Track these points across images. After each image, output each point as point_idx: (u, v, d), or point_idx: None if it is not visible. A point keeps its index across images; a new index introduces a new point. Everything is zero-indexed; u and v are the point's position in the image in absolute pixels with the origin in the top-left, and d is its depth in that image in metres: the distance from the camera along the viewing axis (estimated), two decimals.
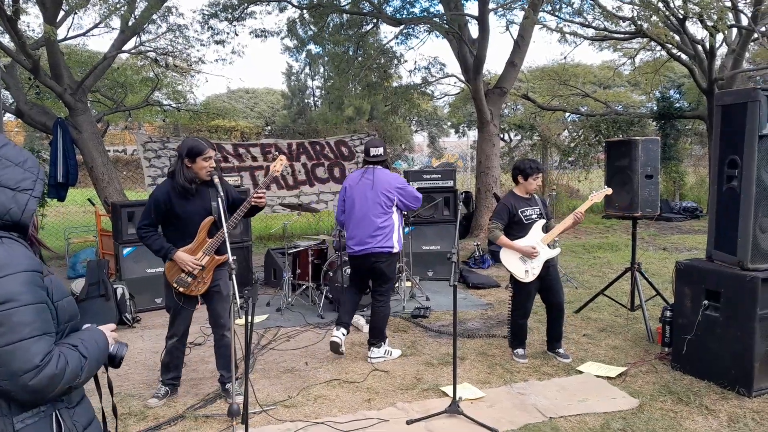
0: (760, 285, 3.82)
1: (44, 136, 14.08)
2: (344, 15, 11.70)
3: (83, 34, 9.75)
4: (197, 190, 3.90)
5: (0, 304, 1.40)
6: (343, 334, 4.80)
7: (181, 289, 3.89)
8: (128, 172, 14.05)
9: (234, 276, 3.58)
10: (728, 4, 10.75)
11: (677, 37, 12.83)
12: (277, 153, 10.39)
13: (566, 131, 17.20)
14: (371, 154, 4.78)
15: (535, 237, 4.68)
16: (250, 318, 3.13)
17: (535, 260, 4.63)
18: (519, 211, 4.70)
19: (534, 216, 4.74)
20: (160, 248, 3.88)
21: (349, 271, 6.04)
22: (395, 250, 4.74)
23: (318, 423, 3.66)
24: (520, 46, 10.74)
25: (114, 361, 1.88)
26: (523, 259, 4.65)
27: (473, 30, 10.95)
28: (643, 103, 23.82)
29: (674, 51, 13.71)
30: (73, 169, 8.24)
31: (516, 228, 4.71)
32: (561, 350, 4.79)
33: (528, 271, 4.63)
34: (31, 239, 1.66)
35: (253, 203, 3.94)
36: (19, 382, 1.40)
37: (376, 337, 4.79)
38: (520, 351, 4.79)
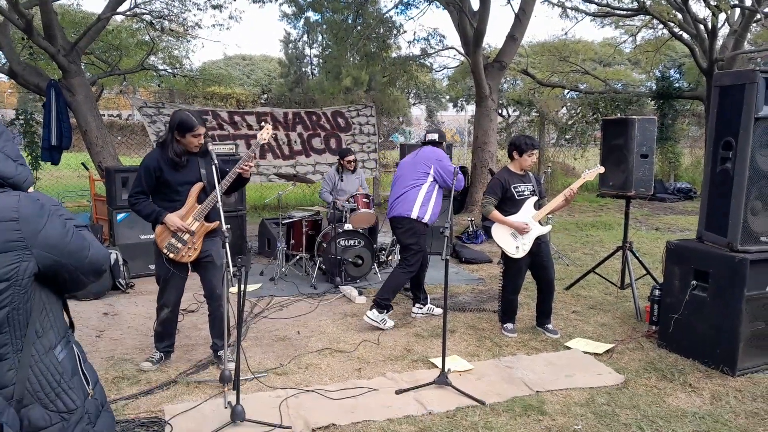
0: (749, 267, 3.87)
1: (37, 98, 13.91)
2: None
3: None
4: (187, 160, 3.90)
5: (60, 241, 1.60)
6: (418, 308, 5.28)
7: (171, 255, 3.88)
8: (123, 137, 13.92)
9: (228, 244, 3.61)
10: None
11: (679, 16, 12.71)
12: (271, 122, 10.31)
13: (564, 108, 17.12)
14: (426, 139, 5.21)
15: (527, 214, 4.70)
16: (243, 286, 3.16)
17: (526, 236, 4.66)
18: (512, 187, 4.72)
19: (526, 192, 4.76)
20: (151, 212, 3.88)
21: (347, 243, 6.20)
22: (413, 216, 4.85)
23: (309, 391, 3.72)
24: (521, 19, 10.61)
25: None
26: (514, 235, 4.68)
27: (474, 2, 10.81)
28: (642, 81, 23.70)
29: (676, 30, 13.60)
30: (67, 132, 8.15)
31: (508, 204, 4.73)
32: (550, 326, 4.86)
33: (519, 247, 4.66)
34: None
35: (239, 171, 3.93)
36: (102, 271, 1.79)
37: (382, 298, 4.87)
38: (509, 325, 4.86)
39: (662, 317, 4.51)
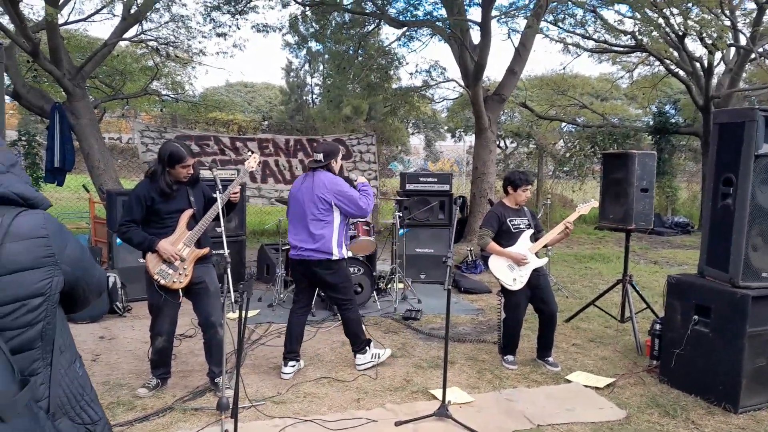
0: (751, 303, 3.86)
1: (38, 120, 13.99)
2: (347, 14, 11.72)
3: (84, 19, 9.73)
4: (177, 190, 3.93)
5: (81, 257, 1.66)
6: (293, 367, 4.47)
7: (162, 282, 3.85)
8: (123, 161, 13.98)
9: (229, 269, 3.60)
10: (728, 23, 10.87)
11: (676, 54, 12.96)
12: (273, 148, 10.39)
13: (562, 141, 17.31)
14: (314, 159, 4.56)
15: (523, 246, 4.72)
16: (244, 313, 3.14)
17: (524, 269, 4.67)
18: (508, 220, 4.76)
19: (522, 226, 4.81)
20: (143, 240, 3.86)
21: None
22: (335, 257, 4.40)
23: (307, 420, 3.66)
24: (521, 54, 10.79)
25: None
26: (511, 266, 4.69)
27: (475, 36, 11.00)
28: (639, 116, 24.01)
29: (672, 67, 13.85)
30: (70, 155, 8.20)
31: (504, 237, 4.76)
32: (551, 359, 4.82)
33: (516, 279, 4.66)
34: None
35: (226, 200, 3.96)
36: (103, 290, 1.84)
37: (357, 344, 4.61)
38: (510, 357, 4.82)
39: (664, 352, 4.48)
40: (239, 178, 4.18)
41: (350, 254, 4.57)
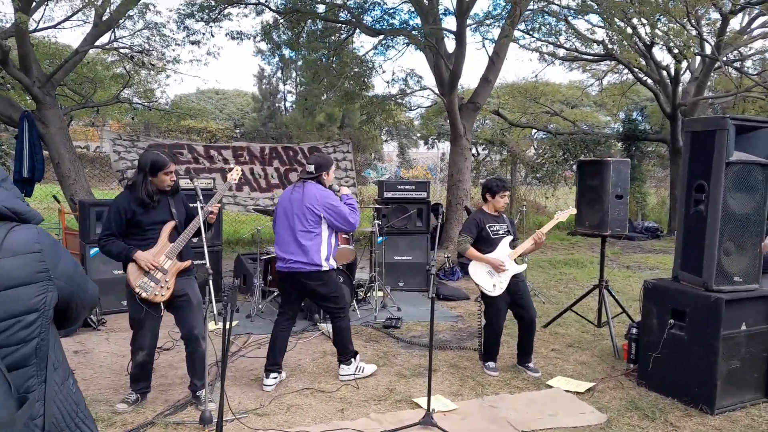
0: (724, 306, 3.97)
1: (3, 128, 13.63)
2: (320, 22, 11.72)
3: (55, 26, 9.53)
4: (158, 200, 3.89)
5: (73, 272, 1.65)
6: (275, 379, 4.43)
7: (144, 295, 3.78)
8: (93, 170, 13.69)
9: (211, 281, 3.56)
10: (694, 33, 11.18)
11: (644, 62, 13.28)
12: (248, 157, 10.32)
13: (533, 148, 17.54)
14: (306, 170, 4.56)
15: (502, 252, 4.79)
16: (228, 324, 3.10)
17: (503, 275, 4.72)
18: (487, 226, 4.83)
19: (501, 232, 4.87)
20: (121, 250, 3.80)
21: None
22: (324, 269, 4.38)
23: None
24: (495, 62, 10.94)
25: None
26: (491, 273, 4.73)
27: (450, 45, 11.11)
28: (608, 123, 24.50)
29: (641, 75, 14.19)
30: (39, 164, 8.00)
31: (484, 243, 4.81)
32: (531, 364, 4.87)
33: (495, 285, 4.71)
34: None
35: (204, 220, 3.90)
36: (95, 305, 1.78)
37: (344, 354, 4.57)
38: (491, 364, 4.85)
39: (641, 355, 4.57)
40: (219, 194, 4.15)
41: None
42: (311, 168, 4.50)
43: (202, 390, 3.96)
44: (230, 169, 4.21)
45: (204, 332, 3.93)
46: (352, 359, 4.60)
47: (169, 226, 3.91)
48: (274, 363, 4.45)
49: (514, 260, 4.80)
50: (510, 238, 4.87)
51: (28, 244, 1.51)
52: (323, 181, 4.51)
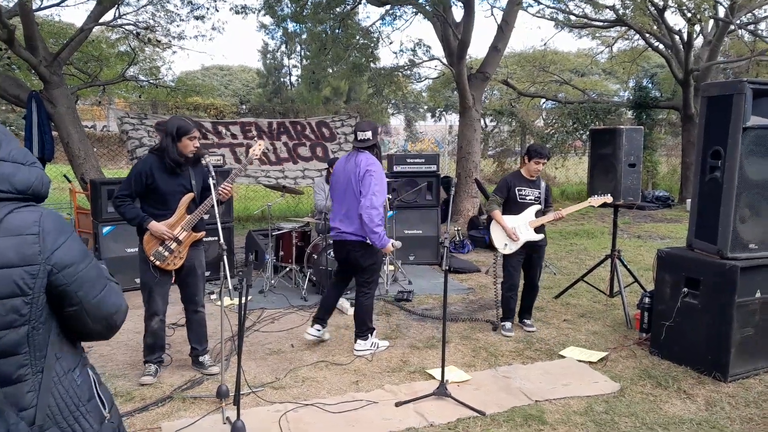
0: (739, 273, 3.94)
1: (9, 109, 13.61)
2: None
3: (58, 4, 9.41)
4: (181, 169, 3.95)
5: (75, 265, 1.53)
6: (318, 330, 4.65)
7: (157, 263, 3.92)
8: (101, 149, 13.71)
9: (225, 257, 3.58)
10: None
11: (656, 27, 12.99)
12: (256, 132, 10.26)
13: (541, 118, 17.35)
14: (358, 138, 4.46)
15: (525, 218, 4.96)
16: (244, 299, 3.12)
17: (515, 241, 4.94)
18: (516, 188, 5.00)
19: (530, 197, 5.00)
20: (135, 216, 3.91)
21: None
22: (368, 241, 4.40)
23: (308, 405, 3.68)
24: (504, 31, 10.75)
25: None
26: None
27: (457, 14, 10.92)
28: (617, 92, 24.16)
29: (652, 41, 13.90)
30: (49, 144, 8.01)
31: (510, 204, 5.02)
32: (528, 321, 5.19)
33: (507, 245, 4.96)
34: None
35: (217, 198, 3.95)
36: (112, 323, 1.63)
37: (361, 329, 4.59)
38: (507, 324, 5.09)
39: (654, 325, 4.56)
40: (242, 166, 4.22)
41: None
42: (367, 135, 4.41)
43: (205, 355, 4.18)
44: (253, 137, 4.22)
45: (203, 300, 4.16)
46: (369, 335, 4.63)
47: (188, 198, 3.99)
48: (319, 317, 4.69)
49: (535, 229, 4.95)
50: (538, 207, 5.00)
51: (27, 225, 1.46)
52: (378, 150, 4.48)
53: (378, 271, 4.74)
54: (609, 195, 5.16)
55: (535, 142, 5.97)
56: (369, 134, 4.42)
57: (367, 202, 4.27)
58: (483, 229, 8.73)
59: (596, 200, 5.08)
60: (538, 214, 4.98)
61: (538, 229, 4.97)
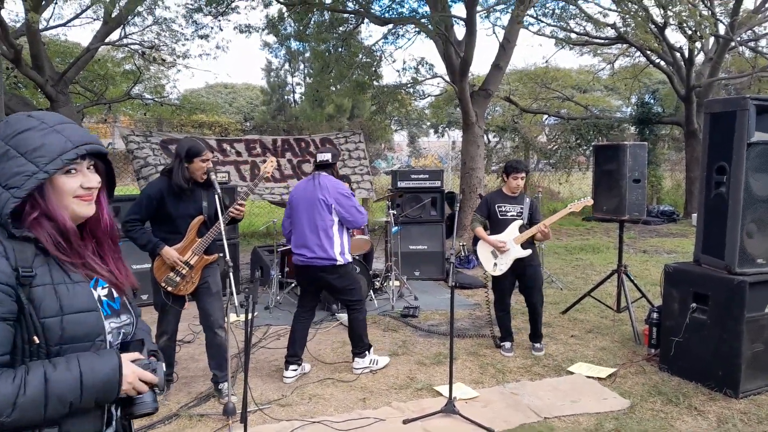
0: (748, 289, 3.92)
1: None
2: (328, 13, 11.64)
3: (65, 24, 9.56)
4: (191, 190, 3.89)
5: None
6: (294, 371, 4.42)
7: (169, 289, 3.85)
8: None
9: (232, 273, 3.57)
10: (707, 13, 10.98)
11: (656, 44, 13.08)
12: (260, 149, 10.31)
13: (544, 134, 17.41)
14: (318, 160, 4.51)
15: (509, 235, 4.85)
16: (250, 316, 3.11)
17: (505, 256, 4.82)
18: (495, 206, 4.93)
19: (510, 213, 4.92)
20: (148, 242, 3.83)
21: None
22: (339, 263, 4.36)
23: (315, 422, 3.65)
24: (506, 48, 10.81)
25: (129, 407, 1.47)
26: (494, 253, 4.87)
27: (459, 32, 11.01)
28: (619, 107, 24.24)
29: (654, 57, 13.99)
30: None
31: (492, 222, 4.96)
32: (537, 344, 5.03)
33: (496, 265, 4.86)
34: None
35: (231, 215, 3.94)
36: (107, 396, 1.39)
37: (358, 346, 4.54)
38: (506, 344, 5.01)
39: (662, 340, 4.53)
40: (255, 181, 4.16)
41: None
42: (327, 156, 4.49)
43: (224, 383, 4.01)
44: (257, 155, 4.17)
45: (222, 321, 3.97)
46: (367, 352, 4.59)
47: (198, 221, 3.91)
48: (293, 355, 4.46)
49: (522, 245, 4.80)
50: (520, 222, 4.87)
51: None
52: (336, 171, 4.54)
53: (359, 288, 4.67)
54: (589, 198, 5.14)
55: (510, 159, 5.92)
56: (328, 156, 4.53)
57: (351, 211, 4.39)
58: None
59: (576, 205, 4.87)
60: (522, 228, 4.82)
61: (526, 246, 4.82)
